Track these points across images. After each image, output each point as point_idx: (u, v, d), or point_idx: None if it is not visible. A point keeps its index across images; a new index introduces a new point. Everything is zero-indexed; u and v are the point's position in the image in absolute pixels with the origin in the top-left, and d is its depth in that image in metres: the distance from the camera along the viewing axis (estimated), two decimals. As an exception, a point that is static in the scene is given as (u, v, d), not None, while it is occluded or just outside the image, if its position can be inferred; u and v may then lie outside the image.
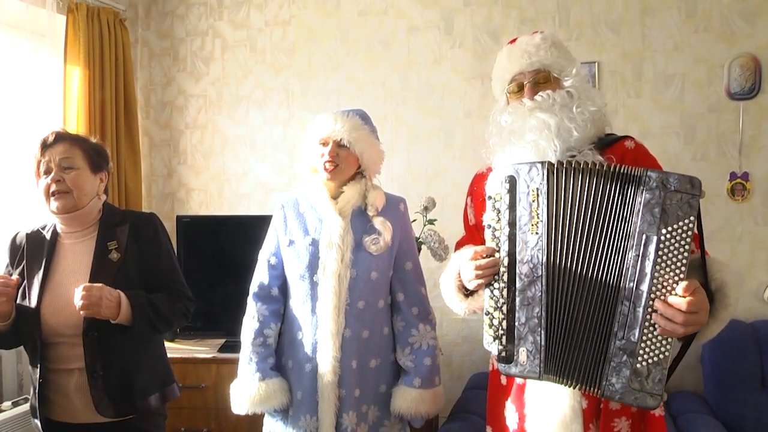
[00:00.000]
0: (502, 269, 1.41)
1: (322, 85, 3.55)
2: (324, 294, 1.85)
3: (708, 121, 3.01)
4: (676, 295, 1.26)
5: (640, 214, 1.29)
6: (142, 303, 1.81)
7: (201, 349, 3.06)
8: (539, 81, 1.59)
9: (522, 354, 1.40)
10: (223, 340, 3.14)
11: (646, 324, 1.28)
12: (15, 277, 1.77)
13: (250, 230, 3.24)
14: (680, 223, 1.25)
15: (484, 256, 1.44)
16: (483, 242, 1.50)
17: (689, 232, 1.25)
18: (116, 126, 3.40)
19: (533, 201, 1.38)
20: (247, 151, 3.71)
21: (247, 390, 1.89)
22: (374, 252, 1.87)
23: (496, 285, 1.43)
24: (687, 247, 1.25)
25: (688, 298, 1.23)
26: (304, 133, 3.51)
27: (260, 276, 1.99)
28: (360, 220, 1.91)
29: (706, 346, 2.79)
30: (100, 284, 1.73)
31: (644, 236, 1.28)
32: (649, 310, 1.28)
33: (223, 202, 3.76)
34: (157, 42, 3.88)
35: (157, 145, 3.88)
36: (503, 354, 1.42)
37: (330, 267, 1.85)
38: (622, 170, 1.33)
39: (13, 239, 1.97)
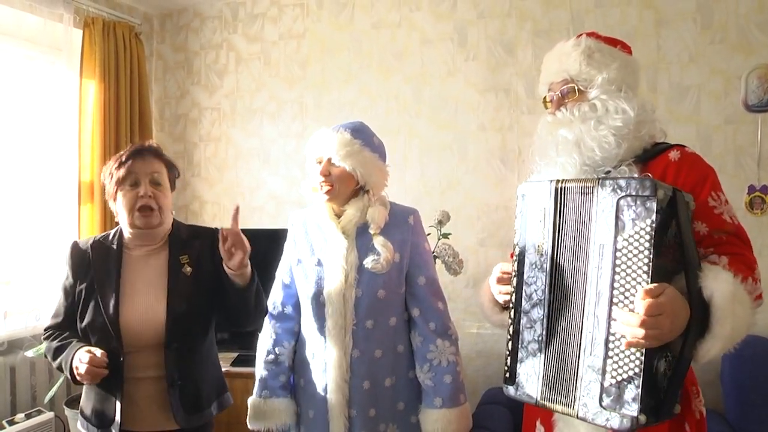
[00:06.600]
0: (511, 289, 1.39)
1: (336, 98, 3.56)
2: (330, 314, 1.83)
3: (725, 133, 2.96)
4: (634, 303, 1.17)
5: (597, 223, 1.22)
6: (254, 276, 1.85)
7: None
8: (566, 92, 1.54)
9: (522, 377, 1.35)
10: (236, 354, 3.12)
11: (611, 339, 1.20)
12: (100, 352, 1.71)
13: (262, 243, 3.24)
14: (636, 229, 1.17)
15: (506, 273, 1.45)
16: None
17: (647, 237, 1.16)
18: (131, 139, 3.43)
19: (541, 220, 1.34)
20: (260, 163, 3.73)
21: (254, 405, 1.91)
22: (376, 272, 1.82)
23: (510, 305, 1.40)
24: (646, 253, 1.16)
25: (648, 301, 1.14)
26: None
27: (274, 294, 1.99)
28: (364, 239, 1.86)
29: (726, 362, 2.73)
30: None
31: (601, 247, 1.21)
32: (612, 323, 1.20)
33: (236, 214, 3.76)
34: (171, 55, 3.92)
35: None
36: (507, 375, 1.38)
37: (334, 287, 1.82)
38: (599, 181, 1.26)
39: (76, 249, 1.90)
